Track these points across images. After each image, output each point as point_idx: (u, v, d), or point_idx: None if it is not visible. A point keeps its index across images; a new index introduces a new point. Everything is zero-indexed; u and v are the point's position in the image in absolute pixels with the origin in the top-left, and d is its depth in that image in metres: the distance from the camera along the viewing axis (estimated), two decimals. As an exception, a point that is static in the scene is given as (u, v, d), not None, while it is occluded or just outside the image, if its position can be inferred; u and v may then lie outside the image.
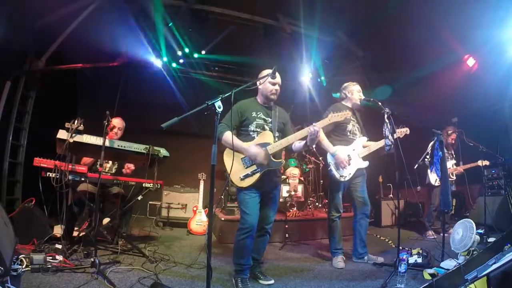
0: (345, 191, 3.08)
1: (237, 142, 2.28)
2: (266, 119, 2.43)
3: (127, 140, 2.90)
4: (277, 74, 2.37)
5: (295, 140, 2.35)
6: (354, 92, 3.10)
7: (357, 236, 3.06)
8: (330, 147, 2.95)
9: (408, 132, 3.08)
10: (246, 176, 2.26)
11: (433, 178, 4.27)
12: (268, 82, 2.40)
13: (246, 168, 2.28)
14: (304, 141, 2.36)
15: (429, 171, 4.31)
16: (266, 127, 2.41)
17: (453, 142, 4.40)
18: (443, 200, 3.03)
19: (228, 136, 2.25)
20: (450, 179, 4.11)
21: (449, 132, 4.34)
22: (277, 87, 2.43)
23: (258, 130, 2.38)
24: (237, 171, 2.27)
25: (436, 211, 4.31)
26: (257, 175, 2.26)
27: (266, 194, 2.41)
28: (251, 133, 2.38)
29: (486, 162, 4.22)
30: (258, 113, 2.42)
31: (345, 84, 3.19)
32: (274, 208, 2.51)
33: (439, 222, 4.29)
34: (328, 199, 3.15)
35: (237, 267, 2.32)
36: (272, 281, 2.41)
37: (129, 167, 3.56)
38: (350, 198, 3.14)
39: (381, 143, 2.95)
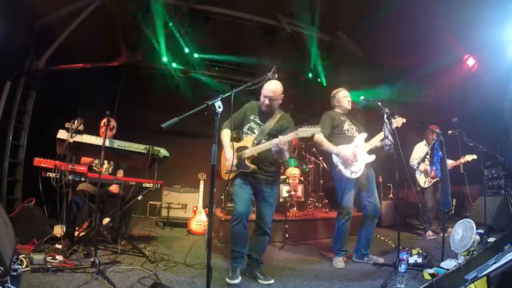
0: (355, 191, 3.02)
1: (225, 141, 2.49)
2: (260, 124, 2.55)
3: (127, 140, 2.90)
4: (268, 86, 2.44)
5: (263, 149, 2.38)
6: (341, 98, 3.17)
7: (364, 236, 3.05)
8: (332, 148, 2.96)
9: (404, 120, 3.01)
10: (228, 172, 2.42)
11: (422, 180, 4.29)
12: (262, 94, 2.50)
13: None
14: None
15: (417, 173, 4.32)
16: (256, 131, 2.53)
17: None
18: (443, 201, 3.03)
19: (222, 133, 2.50)
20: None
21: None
22: (267, 101, 2.48)
23: (248, 132, 2.55)
24: (224, 166, 2.56)
25: (431, 211, 4.31)
26: (233, 174, 2.46)
27: (258, 192, 2.54)
28: (243, 135, 2.58)
29: (474, 156, 4.19)
30: (256, 117, 2.56)
31: (333, 93, 3.26)
32: (266, 206, 2.54)
33: (437, 222, 4.29)
34: (338, 201, 3.07)
35: (231, 254, 2.49)
36: (272, 281, 2.43)
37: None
38: (361, 197, 3.09)
39: (380, 136, 2.92)
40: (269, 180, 2.55)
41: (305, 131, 2.28)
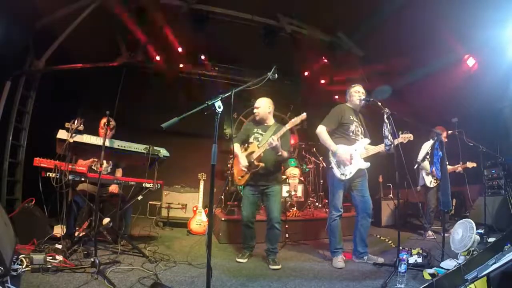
0: (345, 191, 3.09)
1: (237, 152, 3.12)
2: (262, 133, 3.13)
3: (127, 140, 2.90)
4: (256, 103, 3.14)
5: (265, 148, 2.90)
6: (353, 93, 3.18)
7: (358, 235, 3.06)
8: (332, 146, 2.98)
9: (411, 138, 2.97)
10: (242, 176, 3.06)
11: (428, 180, 4.27)
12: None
13: (242, 170, 3.04)
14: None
15: (423, 172, 4.31)
16: (259, 139, 3.10)
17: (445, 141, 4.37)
18: (443, 201, 3.02)
19: (234, 147, 3.12)
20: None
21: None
22: (256, 111, 3.16)
23: (254, 141, 3.13)
24: (238, 172, 3.12)
25: (434, 212, 4.30)
26: (247, 175, 3.03)
27: (263, 194, 3.07)
28: (250, 144, 3.16)
29: (474, 164, 4.22)
30: (258, 129, 3.17)
31: (348, 89, 3.28)
32: (272, 203, 3.01)
33: (438, 222, 4.28)
34: (328, 198, 3.16)
35: (243, 244, 3.20)
36: (279, 266, 2.80)
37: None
38: (352, 197, 3.14)
39: (379, 148, 2.93)
40: (272, 180, 3.05)
41: (294, 122, 2.81)
